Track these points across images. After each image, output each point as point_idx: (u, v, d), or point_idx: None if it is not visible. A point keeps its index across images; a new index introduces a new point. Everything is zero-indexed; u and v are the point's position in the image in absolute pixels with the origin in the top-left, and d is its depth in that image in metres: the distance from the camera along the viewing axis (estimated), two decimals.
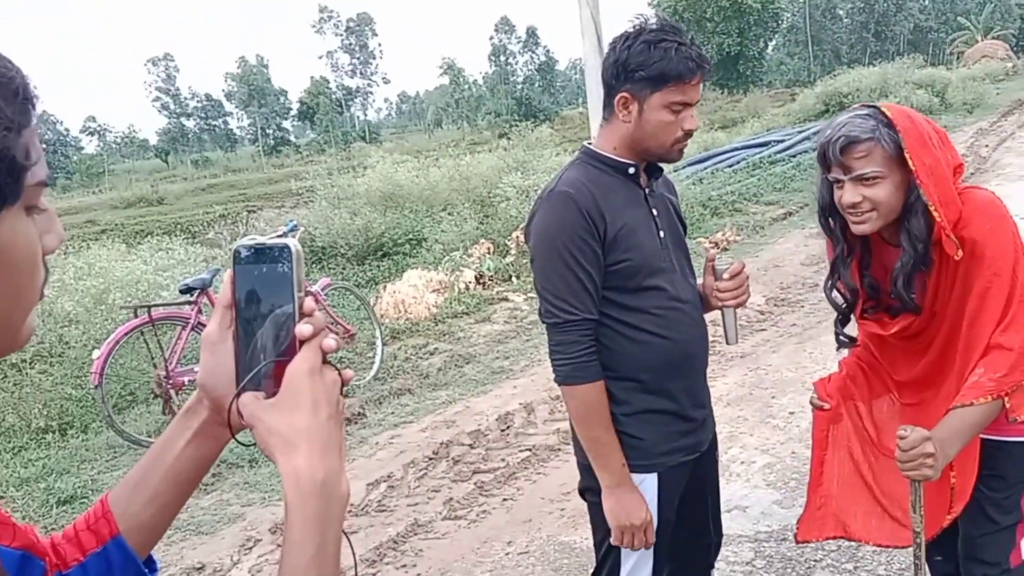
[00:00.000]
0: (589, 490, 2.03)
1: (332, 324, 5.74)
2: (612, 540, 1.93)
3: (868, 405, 2.08)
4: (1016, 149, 13.07)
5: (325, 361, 0.77)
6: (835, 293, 1.97)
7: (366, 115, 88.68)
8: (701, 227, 9.58)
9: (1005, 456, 1.93)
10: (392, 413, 5.17)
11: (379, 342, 6.02)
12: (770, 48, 58.45)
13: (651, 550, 1.97)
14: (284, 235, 5.56)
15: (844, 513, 2.11)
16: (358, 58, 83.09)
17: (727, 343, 2.04)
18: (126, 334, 4.96)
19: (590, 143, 1.97)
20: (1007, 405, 1.73)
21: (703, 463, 2.07)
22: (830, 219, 1.89)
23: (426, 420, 4.99)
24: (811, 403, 2.12)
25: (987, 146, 13.66)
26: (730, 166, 13.29)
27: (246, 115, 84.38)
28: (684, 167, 12.76)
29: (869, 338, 2.08)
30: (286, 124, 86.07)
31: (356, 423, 5.09)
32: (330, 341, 0.77)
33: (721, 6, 48.36)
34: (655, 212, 1.92)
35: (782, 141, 14.79)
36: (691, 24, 49.36)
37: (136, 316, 5.06)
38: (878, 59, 36.83)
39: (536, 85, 76.98)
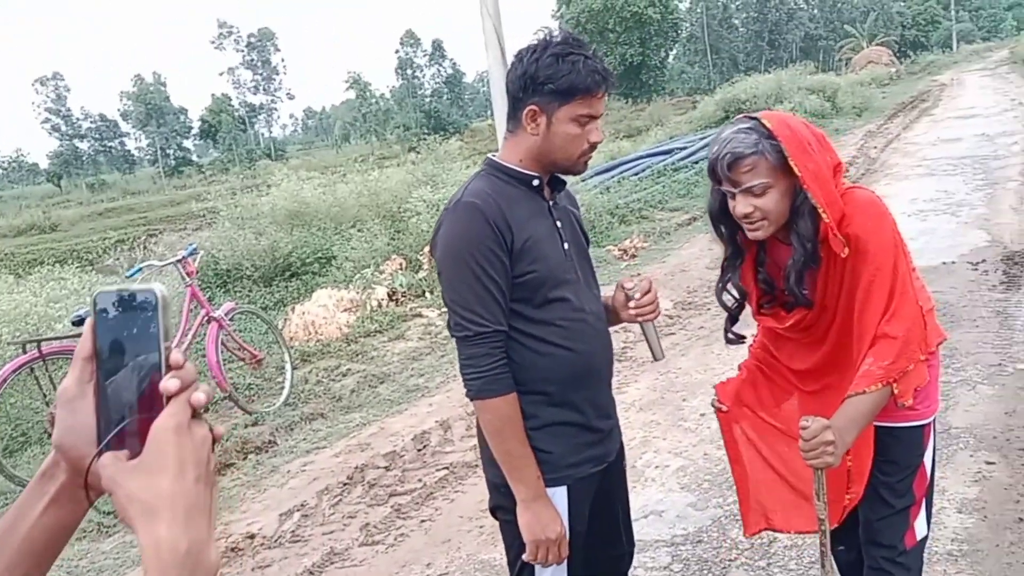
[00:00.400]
0: (500, 508, 2.01)
1: (220, 365, 5.56)
2: (526, 556, 1.91)
3: (769, 410, 2.15)
4: (902, 150, 13.75)
5: (195, 416, 0.72)
6: (725, 295, 2.04)
7: (271, 132, 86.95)
8: (609, 235, 9.72)
9: (895, 441, 2.03)
10: (304, 439, 5.04)
11: (288, 366, 5.86)
12: (671, 57, 60.05)
13: (564, 564, 1.96)
14: (181, 260, 5.37)
15: (765, 507, 2.17)
16: (261, 74, 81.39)
17: (655, 359, 2.07)
18: (14, 371, 4.69)
19: (494, 155, 1.96)
20: (896, 391, 1.82)
21: (611, 473, 2.07)
22: (721, 226, 1.97)
23: (340, 444, 4.88)
24: (712, 405, 2.18)
25: (875, 147, 14.32)
26: (636, 174, 13.53)
27: (144, 135, 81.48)
28: (591, 176, 12.92)
29: (766, 333, 2.16)
30: (187, 143, 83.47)
31: (266, 451, 4.94)
32: (200, 395, 0.72)
33: (623, 17, 49.39)
34: (559, 224, 1.93)
35: (685, 148, 15.15)
36: (594, 35, 50.25)
37: (25, 351, 4.78)
38: (773, 66, 38.25)
39: (444, 98, 77.02)
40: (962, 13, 75.71)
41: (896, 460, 2.04)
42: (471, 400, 1.88)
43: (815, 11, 69.48)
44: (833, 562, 2.03)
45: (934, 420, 2.08)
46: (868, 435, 1.93)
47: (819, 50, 63.92)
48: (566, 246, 1.92)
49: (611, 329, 2.07)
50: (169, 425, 0.69)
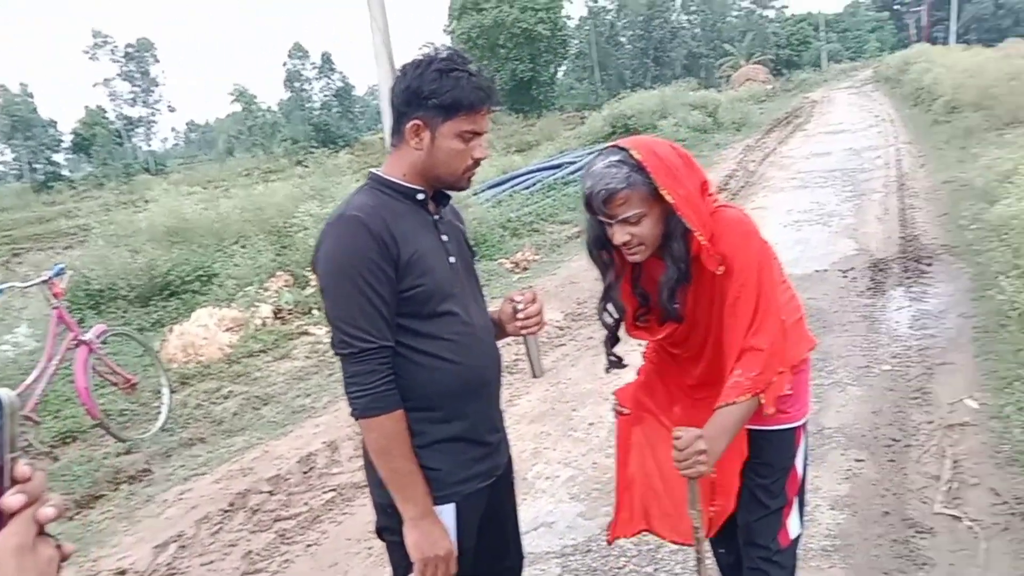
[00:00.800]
0: (387, 529, 1.97)
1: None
2: (414, 575, 1.86)
3: (666, 412, 2.19)
4: (778, 163, 14.40)
5: (41, 533, 0.65)
6: (605, 315, 2.09)
7: (150, 146, 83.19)
8: (501, 248, 9.76)
9: (768, 444, 2.11)
10: (182, 466, 4.80)
11: (166, 390, 5.59)
12: (560, 73, 61.09)
13: None
14: (47, 281, 5.05)
15: (649, 511, 2.21)
16: (139, 85, 77.89)
17: (534, 376, 2.07)
18: None
19: (378, 170, 1.92)
20: (762, 401, 1.89)
21: (499, 487, 2.05)
22: (602, 252, 2.02)
23: (221, 470, 4.67)
24: (613, 410, 2.23)
25: (754, 161, 14.96)
26: (527, 188, 13.65)
27: (10, 149, 76.64)
28: (484, 190, 12.97)
29: (655, 346, 2.23)
30: (58, 158, 78.98)
31: (141, 481, 4.68)
32: (47, 510, 0.65)
33: (513, 33, 49.89)
34: (445, 238, 1.91)
35: (574, 162, 15.40)
36: (485, 51, 50.57)
37: None
38: (658, 82, 39.42)
39: (334, 111, 75.78)
40: (831, 35, 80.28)
41: (769, 462, 2.12)
42: (356, 419, 1.83)
43: (697, 30, 72.17)
44: (709, 569, 2.08)
45: (805, 422, 2.16)
46: (734, 448, 1.99)
47: (701, 67, 66.40)
48: (452, 260, 1.90)
49: (500, 343, 2.06)
50: (9, 545, 0.63)
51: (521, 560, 2.24)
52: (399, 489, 1.83)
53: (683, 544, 2.23)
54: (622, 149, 1.87)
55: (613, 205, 1.85)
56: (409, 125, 1.80)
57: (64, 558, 0.67)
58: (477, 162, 1.86)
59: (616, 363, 2.20)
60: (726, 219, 1.92)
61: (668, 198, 1.82)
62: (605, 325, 2.14)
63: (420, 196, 1.86)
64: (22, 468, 0.66)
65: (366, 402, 1.78)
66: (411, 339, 1.83)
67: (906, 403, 4.31)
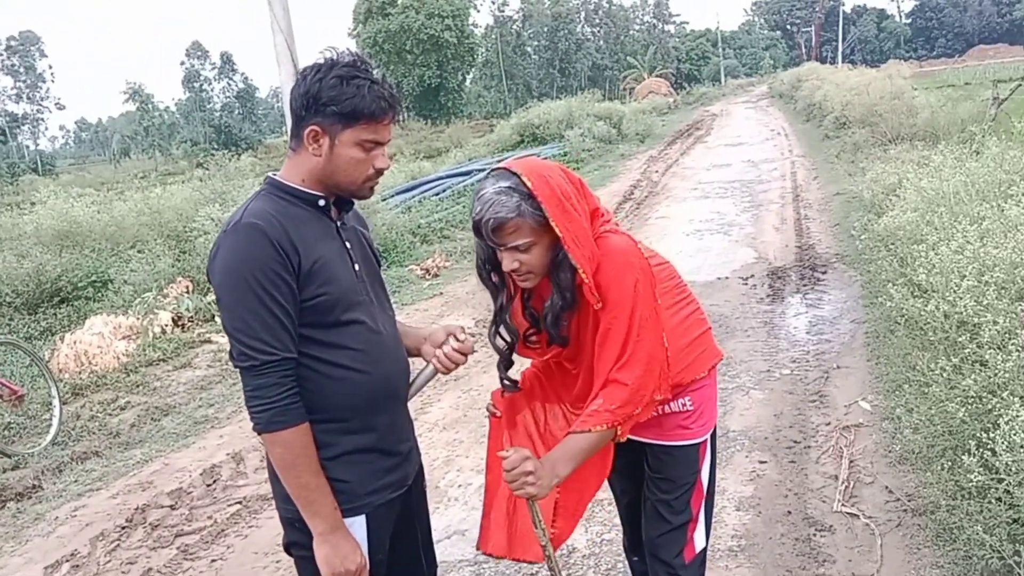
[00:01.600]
0: (295, 544, 1.91)
1: None
2: None
3: (543, 408, 2.17)
4: (680, 174, 14.82)
5: None
6: (498, 339, 2.05)
7: (37, 145, 79.03)
8: (412, 254, 9.70)
9: (671, 460, 2.11)
10: (75, 481, 4.55)
11: (56, 401, 5.30)
12: (468, 81, 61.24)
13: None
14: None
15: (509, 529, 2.14)
16: (24, 81, 73.93)
17: (405, 399, 1.97)
18: None
19: (275, 174, 1.85)
20: (619, 432, 1.89)
21: (411, 496, 2.02)
22: (491, 274, 1.99)
23: (117, 484, 4.45)
24: (487, 410, 2.19)
25: (657, 171, 15.35)
26: (437, 194, 13.64)
27: None
28: (392, 196, 12.87)
29: (536, 364, 2.20)
30: None
31: (30, 498, 4.41)
32: None
33: (420, 39, 49.73)
34: (348, 245, 1.86)
35: (483, 170, 15.48)
36: (392, 56, 50.26)
37: None
38: (564, 93, 40.04)
39: (236, 113, 73.70)
40: (728, 51, 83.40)
41: (671, 478, 2.12)
42: (259, 434, 1.76)
43: (601, 42, 73.66)
44: None
45: (711, 436, 2.16)
46: (589, 473, 2.00)
47: (605, 79, 67.80)
48: (357, 267, 1.86)
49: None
50: None
51: (435, 569, 2.22)
52: (307, 504, 1.78)
53: (521, 561, 2.18)
54: (514, 174, 1.82)
55: (503, 234, 1.81)
56: (307, 131, 1.75)
57: None
58: (379, 172, 1.82)
59: (511, 386, 2.15)
60: (608, 248, 1.89)
61: (557, 231, 1.80)
62: (497, 350, 2.09)
63: (321, 203, 1.82)
64: None
65: (269, 416, 1.72)
66: (316, 349, 1.78)
67: (805, 406, 4.49)
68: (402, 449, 1.96)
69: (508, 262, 1.86)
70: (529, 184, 1.79)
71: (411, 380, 1.98)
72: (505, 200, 1.79)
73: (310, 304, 1.75)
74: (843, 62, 42.41)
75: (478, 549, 2.19)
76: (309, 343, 1.77)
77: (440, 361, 1.95)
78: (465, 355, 1.95)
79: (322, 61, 1.75)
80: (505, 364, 2.11)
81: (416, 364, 2.02)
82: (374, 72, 1.77)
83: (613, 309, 1.86)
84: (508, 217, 1.79)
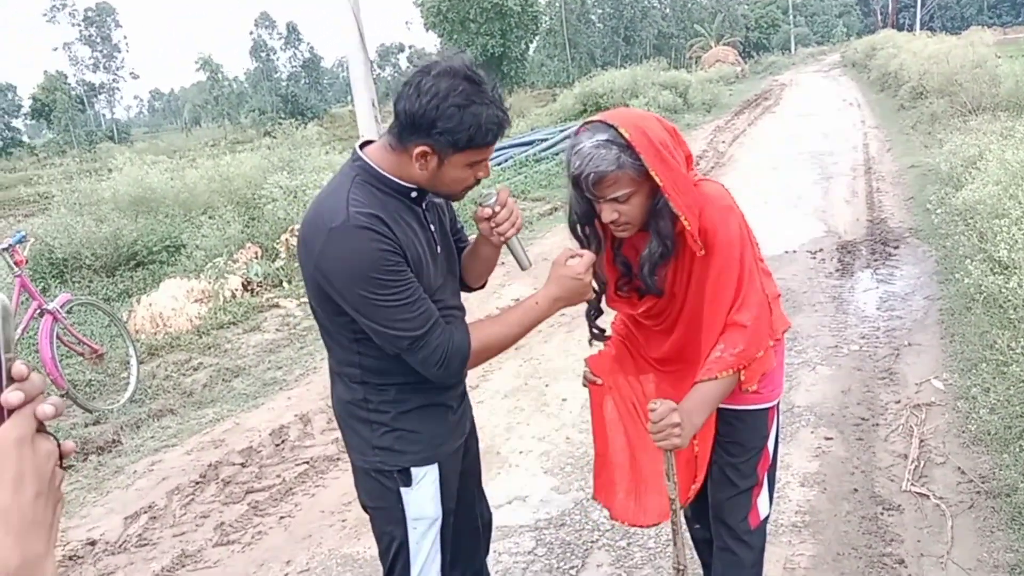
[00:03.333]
0: (370, 493, 2.02)
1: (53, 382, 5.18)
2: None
3: (637, 379, 2.19)
4: (747, 145, 14.51)
5: (41, 430, 0.69)
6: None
7: (113, 113, 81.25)
8: (471, 227, 9.72)
9: (742, 424, 2.12)
10: (152, 437, 4.74)
11: (134, 360, 5.51)
12: (531, 50, 60.72)
13: (438, 544, 1.99)
14: (8, 248, 4.93)
15: (609, 490, 2.22)
16: (100, 51, 75.88)
17: (523, 269, 2.03)
18: None
19: (369, 159, 1.82)
20: (743, 377, 1.90)
21: (469, 442, 2.16)
22: (586, 227, 2.00)
23: (191, 442, 4.63)
24: (584, 377, 2.21)
25: (724, 142, 15.04)
26: (499, 164, 13.63)
27: None
28: None
29: (625, 318, 2.22)
30: (17, 123, 76.95)
31: (110, 451, 4.62)
32: (47, 407, 0.69)
33: (483, 7, 49.40)
34: (432, 228, 1.90)
35: (546, 140, 15.38)
36: (455, 24, 50.07)
37: None
38: (628, 62, 39.41)
39: (302, 82, 74.60)
40: (799, 18, 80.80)
41: (741, 442, 2.13)
42: (472, 362, 1.87)
43: (667, 10, 72.11)
44: (685, 539, 2.10)
45: (778, 403, 2.17)
46: (711, 422, 2.01)
47: (671, 48, 66.42)
48: (439, 250, 1.92)
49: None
50: (10, 438, 0.67)
51: (490, 515, 2.35)
52: (536, 322, 1.92)
53: (636, 526, 2.24)
54: (610, 126, 1.81)
55: (603, 186, 1.82)
56: (417, 150, 1.73)
57: (64, 455, 0.71)
58: (478, 181, 1.85)
59: (599, 335, 2.20)
60: (707, 193, 1.91)
61: (657, 180, 1.80)
62: (587, 300, 2.10)
63: (413, 194, 1.84)
64: (19, 367, 0.69)
65: (454, 356, 1.81)
66: None
67: (874, 383, 4.39)
68: (461, 402, 2.08)
69: (608, 213, 1.87)
70: (627, 135, 1.79)
71: (515, 258, 2.02)
72: (604, 153, 1.79)
73: None
74: (921, 29, 40.69)
75: (595, 499, 2.27)
76: None
77: (504, 231, 1.94)
78: (505, 215, 1.93)
79: (436, 75, 1.69)
80: (594, 313, 2.15)
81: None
82: (488, 87, 1.73)
83: (723, 252, 1.87)
84: (608, 170, 1.79)
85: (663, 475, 2.08)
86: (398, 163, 1.78)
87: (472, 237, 2.09)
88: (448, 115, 1.67)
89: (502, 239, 1.95)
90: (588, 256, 1.92)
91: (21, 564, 0.63)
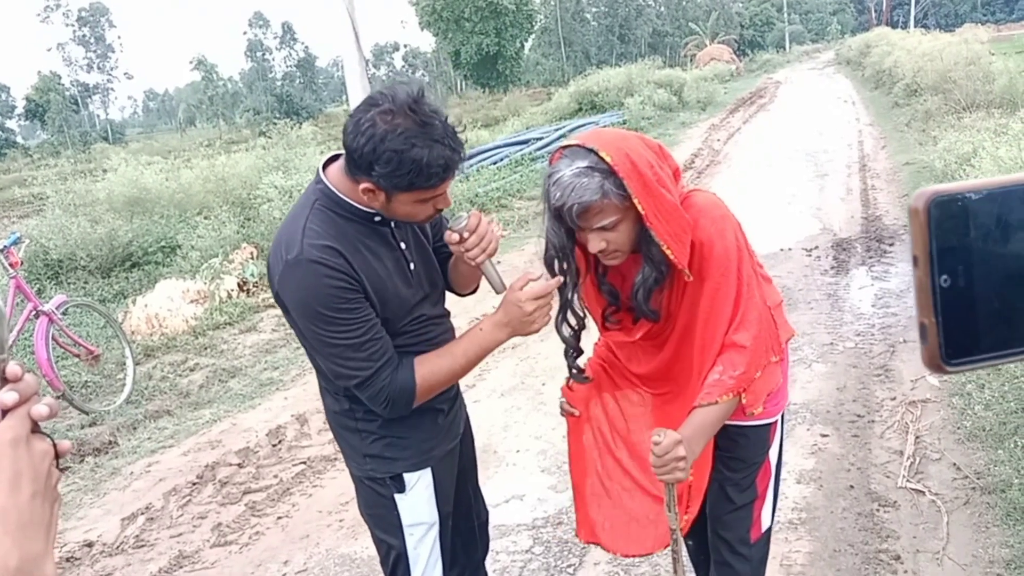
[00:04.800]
0: (366, 501, 2.02)
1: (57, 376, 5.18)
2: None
3: (615, 398, 2.12)
4: (742, 143, 14.52)
5: (36, 430, 0.69)
6: (565, 327, 1.94)
7: (107, 114, 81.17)
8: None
9: (745, 440, 2.02)
10: (149, 438, 4.74)
11: (130, 362, 5.50)
12: (526, 48, 60.70)
13: (438, 549, 1.98)
14: (3, 249, 4.93)
15: (594, 522, 2.12)
16: (94, 51, 75.74)
17: (496, 292, 1.92)
18: None
19: (329, 183, 1.75)
20: (744, 401, 1.81)
21: (463, 443, 2.14)
22: (562, 263, 1.85)
23: (188, 443, 4.62)
24: (561, 408, 2.14)
25: (719, 140, 15.06)
26: (494, 163, 13.63)
27: None
28: None
29: (612, 344, 2.10)
30: (11, 124, 76.79)
31: (107, 453, 4.61)
32: (41, 408, 0.69)
33: (478, 6, 49.39)
34: (403, 245, 1.84)
35: (541, 139, 15.39)
36: (450, 23, 50.06)
37: None
38: (623, 60, 39.44)
39: (296, 82, 74.54)
40: (793, 16, 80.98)
41: (741, 457, 2.05)
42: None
43: (662, 8, 72.22)
44: (686, 566, 2.05)
45: (781, 416, 2.08)
46: (707, 449, 1.92)
47: (666, 46, 66.53)
48: (412, 266, 1.86)
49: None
50: (4, 438, 0.67)
51: (487, 514, 2.32)
52: (485, 350, 1.86)
53: (628, 556, 2.16)
54: (590, 151, 1.68)
55: (588, 217, 1.70)
56: (362, 186, 1.66)
57: (59, 455, 0.72)
58: (439, 211, 1.77)
59: (580, 376, 2.08)
60: (700, 204, 1.81)
61: (639, 208, 1.68)
62: (565, 340, 1.98)
63: (377, 219, 1.77)
64: (13, 368, 0.69)
65: (394, 400, 1.77)
66: None
67: (870, 380, 4.41)
68: (452, 405, 2.05)
69: (595, 243, 1.74)
70: (609, 160, 1.66)
71: (488, 281, 1.92)
72: (587, 182, 1.66)
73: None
74: (915, 26, 40.82)
75: (579, 538, 2.16)
76: None
77: (475, 256, 1.83)
78: (474, 241, 1.81)
79: (382, 111, 1.61)
80: (574, 353, 2.02)
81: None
82: (436, 121, 1.63)
83: (719, 266, 1.77)
84: (592, 200, 1.66)
85: (645, 505, 2.03)
86: (355, 188, 1.71)
87: None
88: (385, 159, 1.59)
89: (473, 263, 1.84)
90: (544, 283, 1.81)
91: (20, 564, 0.63)
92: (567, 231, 1.78)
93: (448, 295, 2.07)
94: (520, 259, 7.94)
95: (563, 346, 2.01)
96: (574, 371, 2.05)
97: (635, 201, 1.67)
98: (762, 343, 1.80)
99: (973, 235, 0.51)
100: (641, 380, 2.07)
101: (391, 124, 1.59)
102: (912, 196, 0.52)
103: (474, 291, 2.13)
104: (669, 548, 1.97)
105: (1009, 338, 0.50)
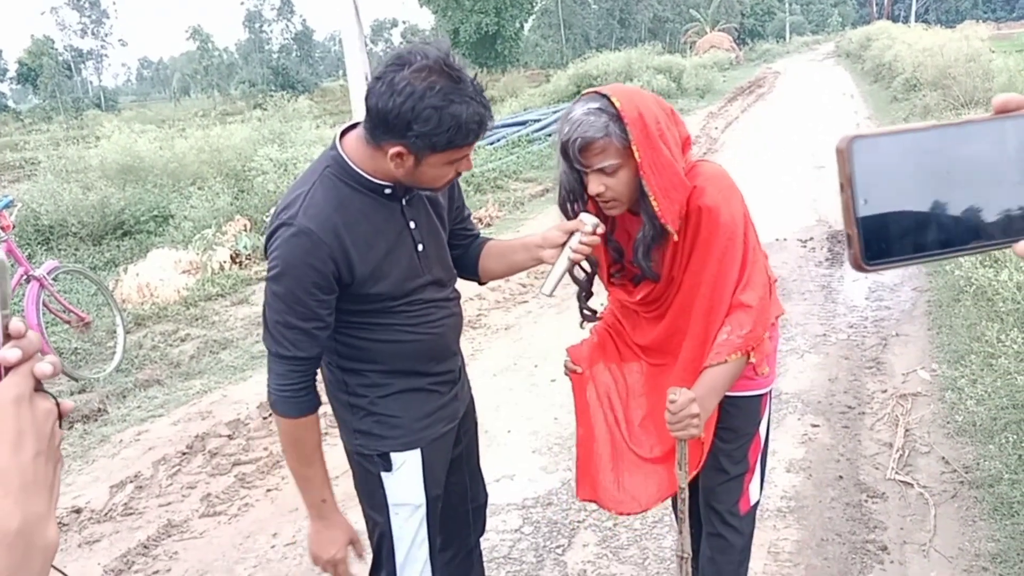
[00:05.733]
0: (359, 476, 1.98)
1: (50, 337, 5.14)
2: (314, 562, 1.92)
3: (620, 368, 2.16)
4: (739, 131, 14.51)
5: (39, 389, 0.67)
6: (576, 269, 2.00)
7: (101, 80, 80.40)
8: (466, 203, 9.69)
9: (736, 410, 2.09)
10: (138, 407, 4.72)
11: (120, 330, 5.47)
12: (526, 29, 60.30)
13: (424, 530, 1.95)
14: None
15: (596, 481, 2.15)
16: (88, 16, 74.85)
17: (546, 294, 1.89)
18: None
19: (344, 152, 1.73)
20: (753, 360, 1.87)
21: (464, 427, 2.08)
22: (575, 204, 1.91)
23: (178, 412, 4.61)
24: (565, 366, 2.17)
25: (716, 128, 15.04)
26: (491, 143, 13.57)
27: None
28: None
29: (615, 303, 2.17)
30: (2, 87, 76.00)
31: (96, 420, 4.59)
32: (45, 366, 0.67)
33: None
34: (413, 224, 1.81)
35: (539, 120, 15.33)
36: (449, 1, 49.69)
37: None
38: (623, 44, 39.19)
39: (293, 55, 73.94)
40: (795, 6, 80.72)
41: (734, 428, 2.10)
42: (271, 410, 1.82)
43: None
44: (688, 528, 2.09)
45: (771, 390, 2.15)
46: (712, 413, 1.97)
47: (666, 32, 66.20)
48: (420, 248, 1.82)
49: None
50: (7, 396, 0.65)
51: (486, 498, 2.29)
52: (299, 489, 1.86)
53: (623, 514, 2.17)
54: (603, 96, 1.78)
55: (589, 154, 1.77)
56: (392, 151, 1.62)
57: (62, 415, 0.70)
58: (459, 174, 1.76)
59: (590, 316, 2.15)
60: (708, 172, 1.87)
61: (636, 156, 1.75)
62: (576, 280, 2.06)
63: (388, 191, 1.75)
64: (16, 324, 0.68)
65: (275, 400, 1.77)
66: (375, 317, 1.81)
67: (861, 372, 4.42)
68: (453, 389, 2.00)
69: (595, 185, 1.81)
70: (618, 105, 1.75)
71: (545, 280, 1.87)
72: (593, 120, 1.75)
73: (365, 295, 1.76)
74: (916, 21, 40.76)
75: (579, 498, 2.19)
76: (369, 314, 1.79)
77: (577, 251, 1.83)
78: (594, 231, 1.83)
79: (416, 68, 1.57)
80: (585, 295, 2.10)
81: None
82: (467, 83, 1.62)
83: (727, 230, 1.82)
84: (595, 136, 1.75)
85: (644, 462, 2.06)
86: (372, 158, 1.69)
87: (486, 234, 2.04)
88: (425, 117, 1.56)
89: (572, 255, 1.82)
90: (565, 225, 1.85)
91: (22, 525, 0.62)
92: (578, 176, 1.85)
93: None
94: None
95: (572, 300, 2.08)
96: (586, 312, 2.13)
97: (633, 148, 1.74)
98: (766, 304, 1.87)
99: (882, 168, 0.63)
100: (642, 351, 2.13)
101: (429, 81, 1.56)
102: (838, 139, 0.64)
103: (483, 283, 2.14)
104: (668, 503, 2.01)
105: (911, 247, 0.64)
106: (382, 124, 1.61)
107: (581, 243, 1.83)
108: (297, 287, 1.66)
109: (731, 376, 1.87)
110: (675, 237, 1.84)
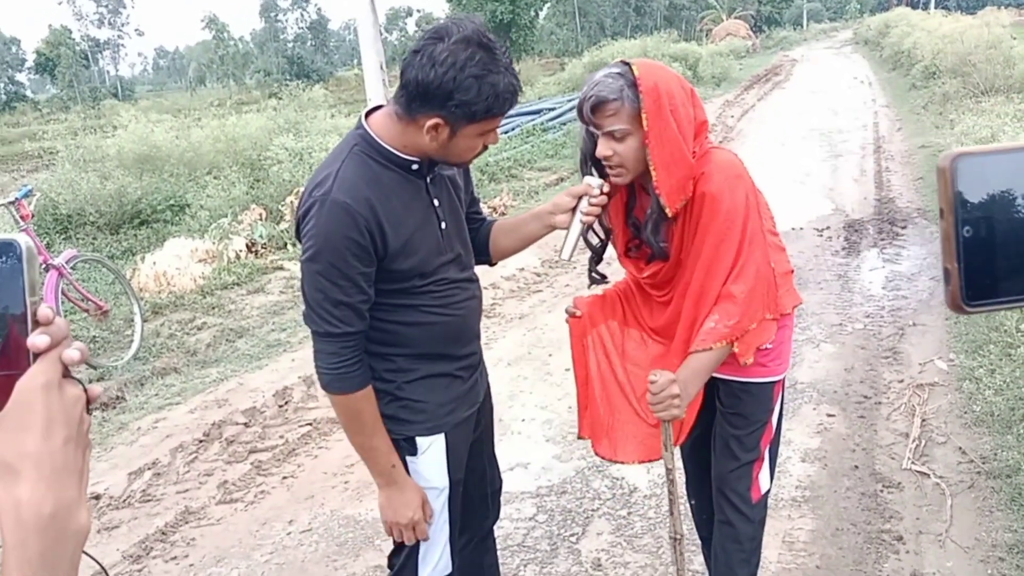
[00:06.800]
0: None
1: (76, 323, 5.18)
2: (386, 531, 1.93)
3: (621, 328, 2.18)
4: (756, 120, 14.40)
5: (67, 375, 0.68)
6: (590, 233, 2.04)
7: (117, 70, 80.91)
8: (480, 192, 9.69)
9: (748, 396, 2.11)
10: (156, 395, 4.76)
11: (138, 318, 5.51)
12: (541, 18, 60.01)
13: (446, 514, 1.99)
14: (14, 202, 4.92)
15: (594, 428, 2.19)
16: (105, 6, 75.26)
17: (564, 258, 1.94)
18: None
19: (370, 130, 1.77)
20: (736, 349, 1.89)
21: (482, 412, 2.12)
22: (593, 168, 1.96)
23: (195, 400, 4.65)
24: (566, 311, 2.18)
25: (733, 116, 14.93)
26: (505, 132, 13.52)
27: None
28: None
29: (631, 283, 2.19)
30: (20, 77, 76.47)
31: (114, 408, 4.64)
32: (73, 352, 0.68)
33: None
34: (436, 202, 1.85)
35: (553, 109, 15.29)
36: None
37: None
38: (638, 32, 38.98)
39: (308, 44, 74.01)
40: None
41: (746, 414, 2.12)
42: (324, 391, 1.84)
43: None
44: (681, 509, 2.11)
45: (784, 378, 2.16)
46: (697, 395, 2.01)
47: (682, 20, 65.70)
48: (444, 225, 1.85)
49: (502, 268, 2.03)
50: (37, 383, 0.65)
51: (501, 483, 2.32)
52: (366, 460, 1.87)
53: (618, 462, 2.21)
54: (626, 64, 1.84)
55: (601, 114, 1.82)
56: (429, 122, 1.66)
57: (90, 400, 0.70)
58: (486, 147, 1.80)
59: (599, 279, 2.16)
60: (717, 159, 1.89)
61: (644, 124, 1.79)
62: (590, 245, 2.10)
63: (415, 166, 1.78)
64: (44, 311, 0.68)
65: (329, 379, 1.78)
66: (400, 298, 1.83)
67: (878, 361, 4.40)
68: (474, 373, 2.03)
69: (603, 148, 1.85)
70: (636, 73, 1.80)
71: (562, 245, 1.94)
72: (611, 83, 1.80)
73: (396, 271, 1.78)
74: (936, 8, 40.23)
75: (580, 437, 2.24)
76: (394, 294, 1.81)
77: (588, 213, 1.90)
78: (602, 192, 1.90)
79: (455, 40, 1.62)
80: (596, 259, 2.13)
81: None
82: (501, 53, 1.67)
83: (727, 219, 1.85)
84: (609, 97, 1.79)
85: (633, 423, 2.11)
86: (403, 133, 1.72)
87: (499, 214, 2.06)
88: (466, 86, 1.61)
89: (584, 218, 1.89)
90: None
91: (55, 509, 0.63)
92: (594, 141, 1.89)
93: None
94: None
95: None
96: (595, 275, 2.15)
97: (643, 116, 1.78)
98: (757, 297, 1.89)
99: (992, 192, 0.55)
100: (653, 333, 2.14)
101: (468, 53, 1.62)
102: (940, 156, 0.56)
103: (494, 263, 2.17)
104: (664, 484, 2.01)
105: (1023, 286, 0.56)
106: (421, 95, 1.65)
107: (591, 203, 1.89)
108: (338, 260, 1.69)
109: (714, 363, 1.91)
110: (668, 212, 1.86)
